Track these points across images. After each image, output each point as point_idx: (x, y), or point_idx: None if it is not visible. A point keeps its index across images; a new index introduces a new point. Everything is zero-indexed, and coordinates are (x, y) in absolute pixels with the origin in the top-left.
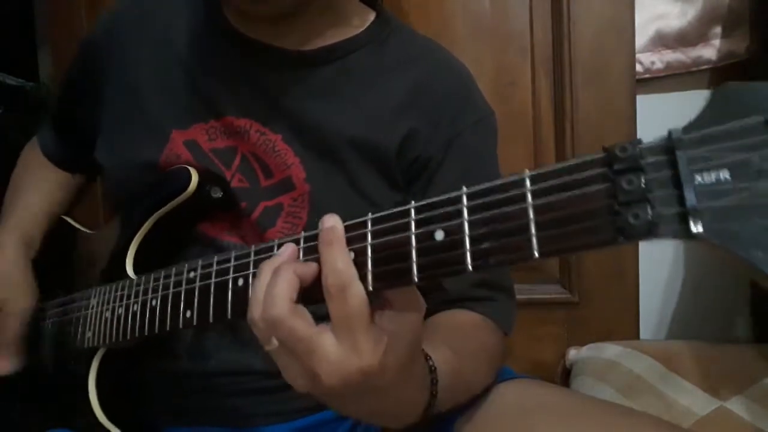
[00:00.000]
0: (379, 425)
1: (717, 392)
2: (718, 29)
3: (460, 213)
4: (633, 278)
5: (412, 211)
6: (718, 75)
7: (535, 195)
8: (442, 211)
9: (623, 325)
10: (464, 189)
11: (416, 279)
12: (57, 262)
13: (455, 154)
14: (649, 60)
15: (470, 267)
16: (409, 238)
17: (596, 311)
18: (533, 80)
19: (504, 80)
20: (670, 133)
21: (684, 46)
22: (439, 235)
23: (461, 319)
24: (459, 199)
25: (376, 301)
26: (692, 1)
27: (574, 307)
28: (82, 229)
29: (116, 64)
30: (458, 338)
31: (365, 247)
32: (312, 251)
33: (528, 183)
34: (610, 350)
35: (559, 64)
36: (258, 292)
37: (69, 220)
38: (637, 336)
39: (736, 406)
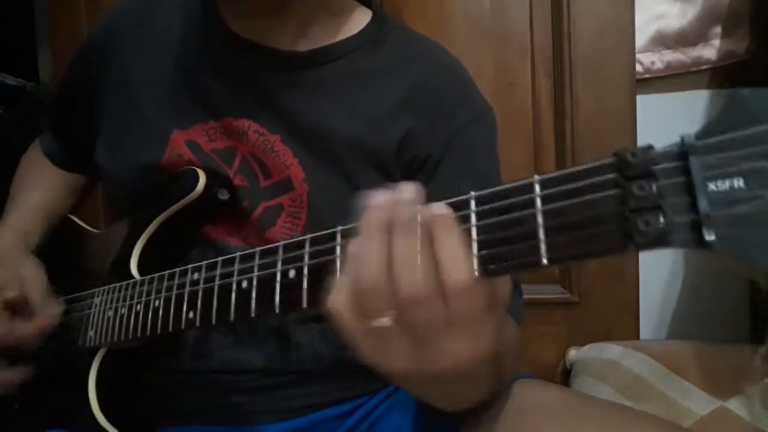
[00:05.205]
0: (445, 406)
1: (717, 392)
2: (718, 29)
3: (467, 218)
4: (633, 278)
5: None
6: (718, 75)
7: (544, 200)
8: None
9: (623, 325)
10: (472, 193)
11: None
12: (62, 261)
13: (453, 154)
14: (649, 60)
15: (476, 273)
16: None
17: (596, 311)
18: (533, 80)
19: (504, 80)
20: (682, 138)
21: (684, 46)
22: None
23: None
24: (467, 204)
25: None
26: (692, 1)
27: (574, 307)
28: (88, 228)
29: (114, 65)
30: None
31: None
32: (317, 255)
33: (537, 188)
34: (610, 350)
35: (559, 64)
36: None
37: (75, 219)
38: (637, 336)
39: (736, 406)
